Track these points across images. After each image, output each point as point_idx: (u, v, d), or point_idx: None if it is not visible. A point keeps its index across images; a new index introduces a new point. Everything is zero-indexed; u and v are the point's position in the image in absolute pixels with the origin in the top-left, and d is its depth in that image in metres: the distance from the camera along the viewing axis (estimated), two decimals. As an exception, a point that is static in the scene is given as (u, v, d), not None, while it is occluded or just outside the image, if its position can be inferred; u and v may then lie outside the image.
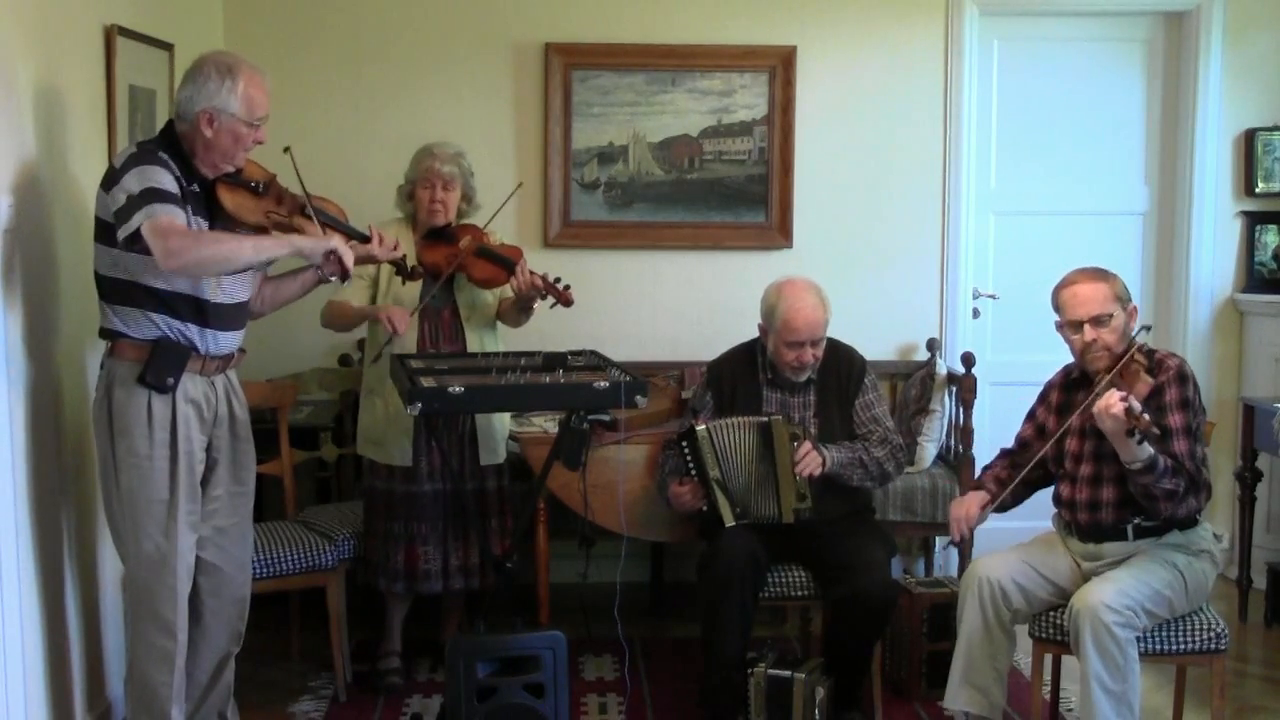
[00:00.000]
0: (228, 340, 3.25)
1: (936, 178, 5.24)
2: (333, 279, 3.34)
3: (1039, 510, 3.76)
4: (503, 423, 4.17)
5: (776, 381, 3.94)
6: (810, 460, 3.71)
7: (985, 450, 4.32)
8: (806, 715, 3.67)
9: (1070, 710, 3.88)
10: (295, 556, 3.95)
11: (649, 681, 4.24)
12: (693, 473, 3.79)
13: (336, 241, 3.22)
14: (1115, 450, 3.27)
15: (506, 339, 4.23)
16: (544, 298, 4.01)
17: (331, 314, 4.04)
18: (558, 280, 4.02)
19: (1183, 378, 3.34)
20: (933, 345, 5.15)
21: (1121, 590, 3.22)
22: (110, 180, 3.03)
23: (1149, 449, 3.17)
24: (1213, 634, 3.35)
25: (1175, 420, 3.29)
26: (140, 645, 3.18)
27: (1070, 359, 3.55)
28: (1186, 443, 3.29)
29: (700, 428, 3.77)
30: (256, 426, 3.47)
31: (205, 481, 3.25)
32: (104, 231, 3.08)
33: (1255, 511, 4.78)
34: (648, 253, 5.20)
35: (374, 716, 3.96)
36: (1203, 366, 5.21)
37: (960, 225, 5.25)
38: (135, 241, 2.96)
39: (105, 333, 3.15)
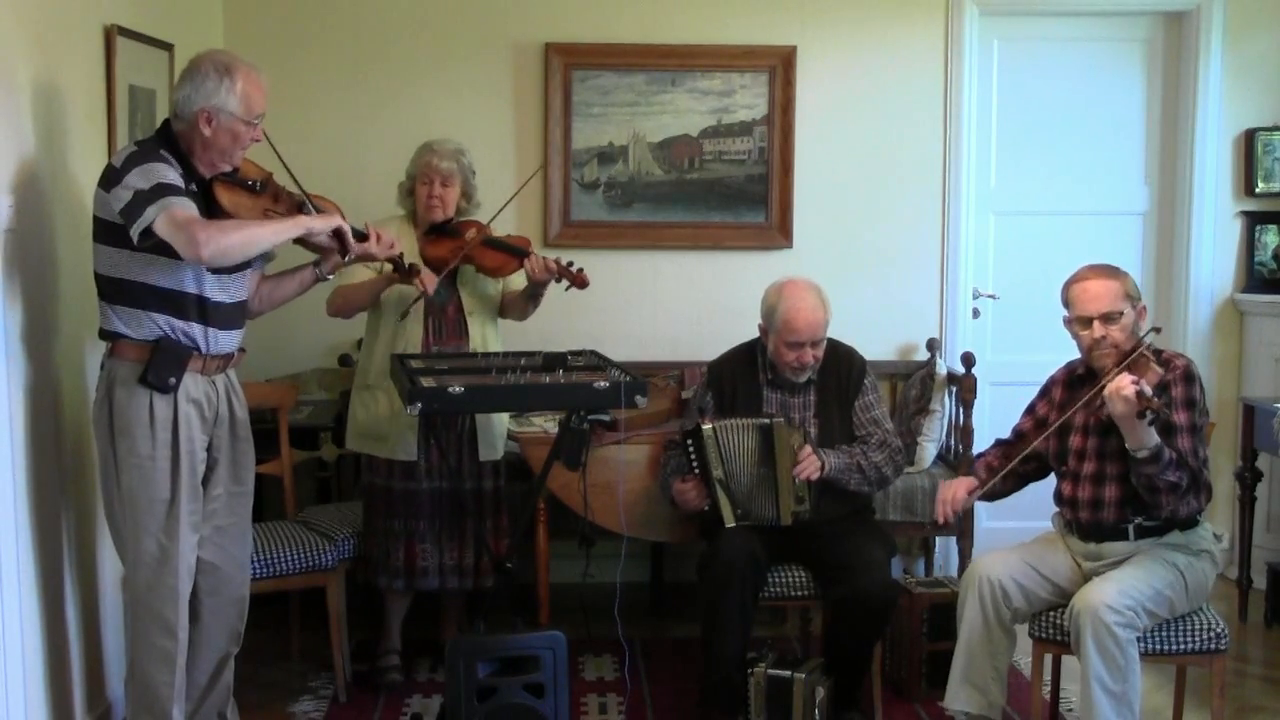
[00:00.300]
0: (229, 339, 3.25)
1: (936, 178, 5.24)
2: (330, 277, 3.34)
3: (1039, 510, 3.76)
4: (501, 419, 4.17)
5: (777, 382, 3.94)
6: (810, 464, 3.71)
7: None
8: (806, 715, 3.67)
9: (1070, 710, 3.88)
10: (295, 556, 3.95)
11: (649, 681, 4.24)
12: (696, 471, 3.79)
13: (339, 219, 3.24)
14: (1119, 448, 3.28)
15: (507, 339, 4.23)
16: (559, 281, 4.01)
17: (343, 297, 4.00)
18: (570, 263, 4.02)
19: (1190, 377, 3.35)
20: (933, 345, 5.15)
21: (1122, 590, 3.22)
22: (110, 179, 3.02)
23: (1155, 436, 3.17)
24: (1213, 634, 3.35)
25: (1180, 418, 3.29)
26: (141, 646, 3.18)
27: (1075, 354, 3.55)
28: (1190, 440, 3.29)
29: (707, 427, 3.77)
30: (256, 426, 3.47)
31: (205, 481, 3.24)
32: (104, 231, 3.07)
33: (1255, 511, 4.78)
34: (648, 253, 5.20)
35: (374, 716, 3.96)
36: (1203, 366, 5.17)
37: (960, 225, 5.26)
38: (149, 237, 2.96)
39: (105, 333, 3.14)
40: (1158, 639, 3.32)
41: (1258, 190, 5.29)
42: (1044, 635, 3.42)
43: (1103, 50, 5.34)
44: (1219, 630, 3.35)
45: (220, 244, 2.96)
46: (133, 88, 3.89)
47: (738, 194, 5.19)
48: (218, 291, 3.18)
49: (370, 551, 4.10)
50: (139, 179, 2.97)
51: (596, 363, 3.70)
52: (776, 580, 3.81)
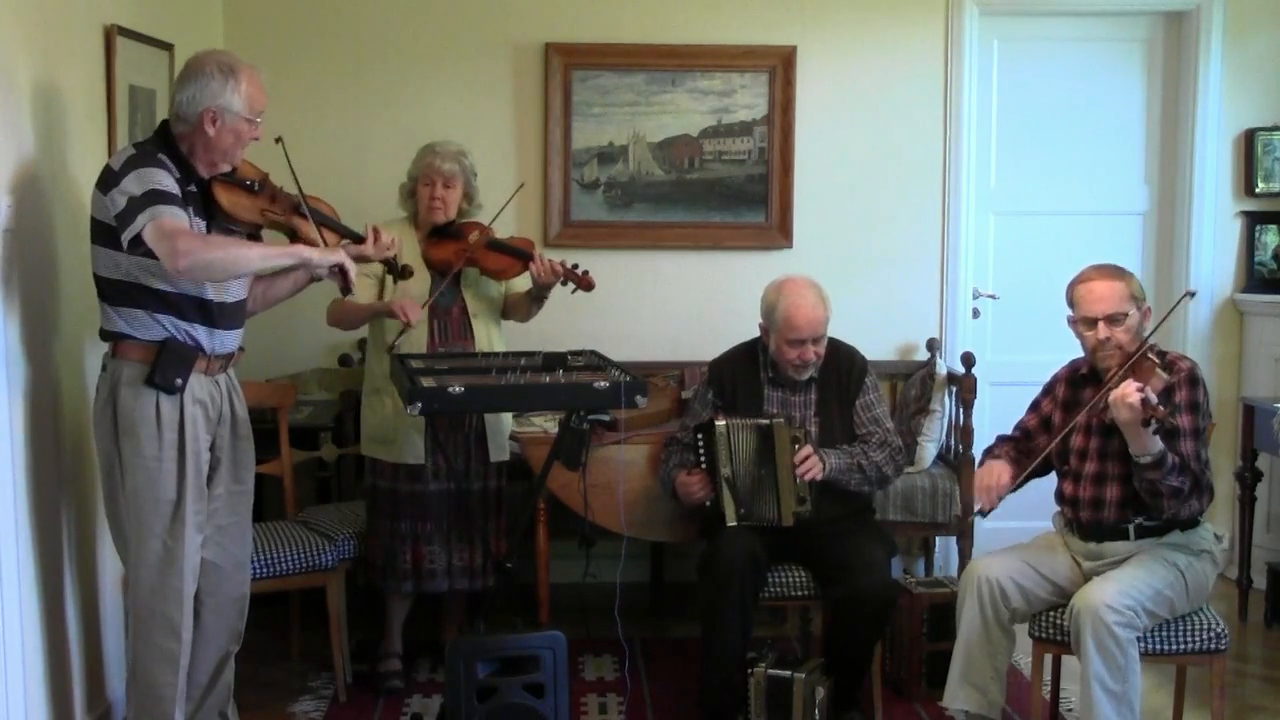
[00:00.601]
0: (231, 339, 3.25)
1: (936, 178, 5.24)
2: (324, 278, 3.33)
3: (1039, 510, 3.76)
4: (509, 420, 4.17)
5: (778, 380, 3.94)
6: (811, 464, 3.71)
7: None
8: (806, 715, 3.67)
9: (1070, 710, 3.88)
10: (295, 556, 3.95)
11: (649, 681, 4.24)
12: (703, 465, 3.79)
13: (343, 256, 3.21)
14: (1121, 449, 3.28)
15: (507, 340, 4.23)
16: (564, 284, 4.01)
17: (338, 312, 4.04)
18: (575, 265, 4.02)
19: (1194, 380, 3.35)
20: (933, 345, 5.15)
21: (1123, 590, 3.22)
22: (107, 182, 3.02)
23: (1159, 443, 3.17)
24: (1213, 634, 3.35)
25: (1184, 421, 3.29)
26: (144, 646, 3.18)
27: (1075, 354, 3.54)
28: (1193, 444, 3.29)
29: (720, 423, 3.76)
30: (256, 426, 3.47)
31: (208, 480, 3.24)
32: (102, 233, 3.07)
33: (1255, 511, 4.78)
34: (648, 253, 5.20)
35: (374, 716, 3.96)
36: (1203, 366, 5.15)
37: (960, 225, 5.25)
38: (139, 244, 2.95)
39: (108, 334, 3.14)
40: (1158, 639, 3.32)
41: (1258, 190, 5.28)
42: (1044, 635, 3.42)
43: (1103, 50, 5.34)
44: (1219, 630, 3.35)
45: (199, 258, 2.94)
46: (133, 88, 3.89)
47: (738, 194, 5.19)
48: (217, 292, 3.17)
49: (374, 555, 4.10)
50: (134, 184, 2.97)
51: (596, 363, 3.69)
52: (776, 580, 3.81)
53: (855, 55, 5.18)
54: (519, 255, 4.03)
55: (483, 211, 4.18)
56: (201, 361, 3.15)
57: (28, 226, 3.14)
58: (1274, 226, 5.30)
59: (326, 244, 3.31)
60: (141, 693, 3.19)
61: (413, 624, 4.27)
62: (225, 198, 3.18)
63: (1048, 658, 3.58)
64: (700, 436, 3.79)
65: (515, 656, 3.29)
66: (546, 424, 4.24)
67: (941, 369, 4.97)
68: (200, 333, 3.14)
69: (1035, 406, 3.64)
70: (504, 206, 4.08)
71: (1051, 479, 3.61)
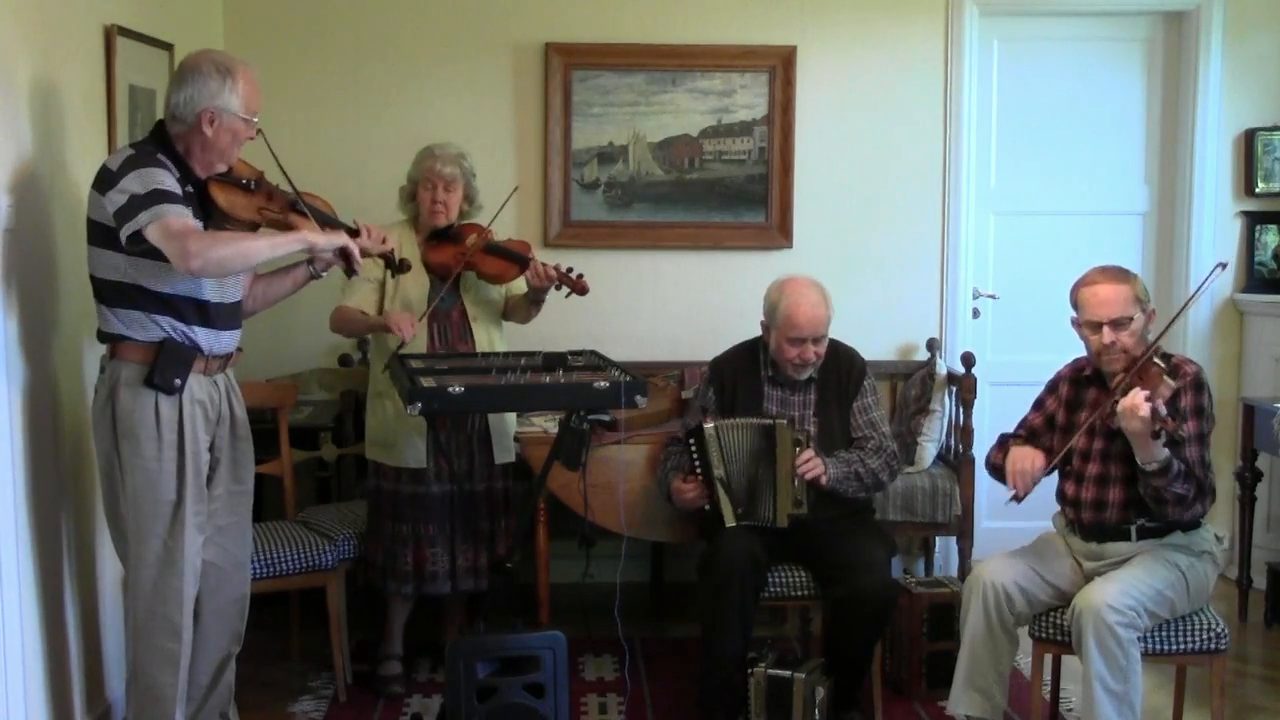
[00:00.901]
0: (229, 339, 3.25)
1: (936, 177, 5.24)
2: (324, 274, 3.34)
3: (1040, 510, 3.75)
4: (512, 421, 4.17)
5: (778, 379, 3.94)
6: (813, 465, 3.71)
7: (985, 451, 4.30)
8: (806, 715, 3.67)
9: (1070, 710, 3.88)
10: (295, 556, 3.95)
11: (649, 681, 4.24)
12: (698, 470, 3.79)
13: (346, 238, 3.22)
14: (1124, 451, 3.28)
15: (507, 340, 4.23)
16: (559, 288, 4.01)
17: (340, 320, 4.04)
18: (570, 270, 4.02)
19: (1199, 385, 3.35)
20: (933, 345, 5.14)
21: (1124, 590, 3.22)
22: (105, 182, 3.01)
23: (1165, 451, 3.17)
24: (1213, 634, 3.35)
25: (1189, 427, 3.29)
26: (145, 648, 3.17)
27: (1075, 354, 3.54)
28: (1198, 449, 3.29)
29: (709, 426, 3.77)
30: (257, 426, 3.47)
31: (207, 481, 3.24)
32: (99, 234, 3.06)
33: (1255, 511, 4.78)
34: (648, 253, 5.20)
35: (374, 716, 3.96)
36: (1203, 366, 5.20)
37: (960, 225, 5.25)
38: (138, 241, 2.95)
39: (105, 335, 3.13)
40: (1158, 639, 3.32)
41: (1258, 190, 5.28)
42: (1044, 635, 3.42)
43: (1103, 50, 5.34)
44: (1219, 630, 3.35)
45: (211, 256, 2.94)
46: (133, 88, 3.89)
47: (738, 194, 5.19)
48: (215, 292, 3.17)
49: (375, 557, 4.09)
50: (135, 183, 2.96)
51: (596, 363, 3.69)
52: (776, 580, 3.81)
53: (855, 55, 5.18)
54: (515, 259, 4.02)
55: (482, 212, 4.18)
56: (200, 362, 3.15)
57: (27, 226, 3.13)
58: (1274, 226, 5.30)
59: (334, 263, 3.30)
60: (142, 694, 3.19)
61: (413, 624, 4.26)
62: (222, 197, 3.18)
63: (1048, 658, 3.58)
64: (692, 441, 3.79)
65: (515, 656, 3.29)
66: (546, 424, 4.24)
67: (941, 369, 4.97)
68: (198, 333, 3.14)
69: (1039, 405, 3.63)
70: (499, 211, 4.08)
71: (1053, 479, 3.61)
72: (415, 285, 3.98)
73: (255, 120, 3.17)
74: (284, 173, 3.29)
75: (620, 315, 5.16)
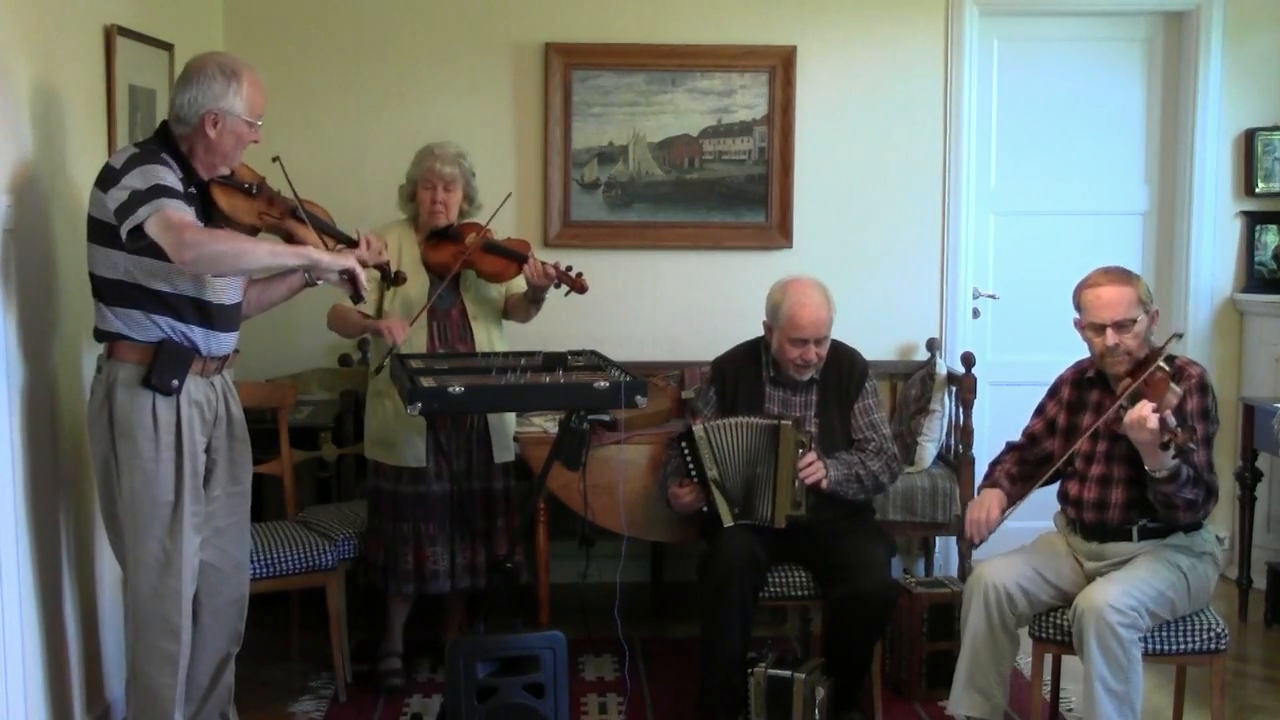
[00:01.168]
0: (227, 341, 3.24)
1: (936, 178, 5.24)
2: (319, 283, 3.30)
3: (1040, 510, 3.74)
4: (512, 421, 4.17)
5: (779, 379, 3.94)
6: (815, 470, 3.71)
7: (985, 450, 4.32)
8: (806, 715, 3.67)
9: (1070, 710, 3.88)
10: (295, 556, 3.95)
11: (649, 681, 4.24)
12: (693, 473, 3.79)
13: (353, 261, 3.19)
14: (1126, 452, 3.29)
15: (507, 340, 4.23)
16: (558, 286, 4.01)
17: (336, 319, 4.04)
18: (569, 268, 4.02)
19: (1204, 388, 3.34)
20: (933, 345, 5.15)
21: (1126, 591, 3.22)
22: (108, 179, 3.01)
23: (1173, 458, 3.16)
24: (1213, 634, 3.35)
25: (1196, 431, 3.28)
26: (143, 648, 3.17)
27: (1076, 354, 3.54)
28: (1205, 453, 3.29)
29: (698, 428, 3.77)
30: (256, 426, 3.48)
31: (204, 482, 3.23)
32: (100, 232, 3.06)
33: (1255, 511, 4.78)
34: (648, 253, 5.20)
35: (374, 716, 3.96)
36: (1204, 367, 5.20)
37: (960, 225, 5.25)
38: (139, 238, 2.95)
39: (103, 334, 3.13)
40: (1158, 639, 3.32)
41: (1258, 190, 5.28)
42: (1045, 635, 3.42)
43: (1103, 50, 5.34)
44: (1219, 630, 3.35)
45: (206, 250, 2.93)
46: (133, 88, 3.89)
47: (738, 194, 5.19)
48: (214, 294, 3.17)
49: (375, 556, 4.09)
50: (137, 180, 2.96)
51: (596, 363, 3.69)
52: (776, 580, 3.81)
53: (855, 55, 5.18)
54: (514, 257, 4.02)
55: (481, 212, 4.18)
56: (197, 363, 3.15)
57: (27, 226, 3.13)
58: (1274, 226, 5.30)
59: (326, 248, 3.30)
60: (141, 694, 3.19)
61: (413, 624, 4.27)
62: (224, 200, 3.18)
63: (1048, 658, 3.58)
64: (684, 444, 3.79)
65: (515, 656, 3.29)
66: (546, 424, 4.24)
67: (941, 369, 4.97)
68: (197, 334, 3.14)
69: (1040, 411, 3.63)
70: (492, 216, 4.07)
71: (1049, 491, 3.60)
72: (415, 284, 3.98)
73: (259, 124, 3.17)
74: (290, 185, 3.29)
75: (620, 315, 5.16)
